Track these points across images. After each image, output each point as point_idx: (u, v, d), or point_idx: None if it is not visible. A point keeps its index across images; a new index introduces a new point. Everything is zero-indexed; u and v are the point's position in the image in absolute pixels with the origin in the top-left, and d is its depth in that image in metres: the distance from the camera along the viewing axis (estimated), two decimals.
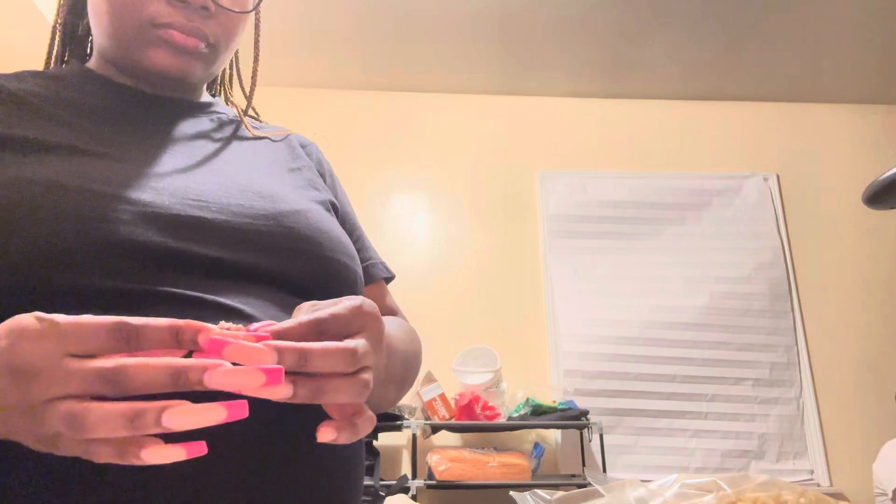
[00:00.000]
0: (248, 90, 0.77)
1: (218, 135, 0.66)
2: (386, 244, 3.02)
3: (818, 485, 2.77)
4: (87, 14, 0.68)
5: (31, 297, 0.43)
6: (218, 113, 0.69)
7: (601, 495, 0.54)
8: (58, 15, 0.71)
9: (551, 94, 3.31)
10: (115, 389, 0.33)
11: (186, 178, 0.54)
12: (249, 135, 0.69)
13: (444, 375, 2.64)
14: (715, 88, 3.29)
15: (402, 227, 3.07)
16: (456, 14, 2.76)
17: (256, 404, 0.37)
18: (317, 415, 0.42)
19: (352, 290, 0.58)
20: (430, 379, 2.60)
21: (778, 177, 3.25)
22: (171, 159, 0.57)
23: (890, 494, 2.11)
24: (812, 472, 2.80)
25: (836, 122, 3.38)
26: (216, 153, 0.62)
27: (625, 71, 3.16)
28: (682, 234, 3.11)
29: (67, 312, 0.36)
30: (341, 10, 2.72)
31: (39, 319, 0.34)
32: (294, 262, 0.54)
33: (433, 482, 2.33)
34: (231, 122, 0.69)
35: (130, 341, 0.34)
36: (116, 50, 0.62)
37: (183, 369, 0.33)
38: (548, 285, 2.99)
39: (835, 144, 3.34)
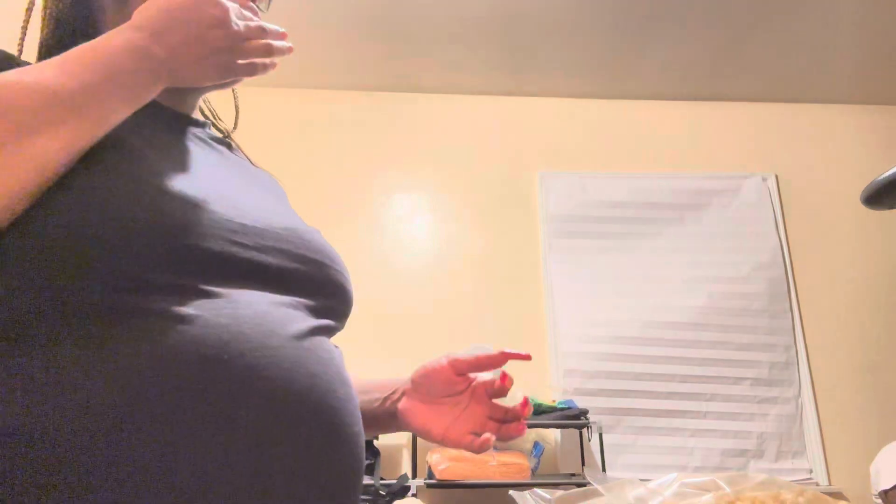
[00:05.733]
0: (236, 107, 0.81)
1: (218, 152, 0.70)
2: (386, 244, 3.03)
3: (817, 484, 2.77)
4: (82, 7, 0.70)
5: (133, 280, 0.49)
6: (210, 132, 0.72)
7: (601, 494, 0.54)
8: (52, 3, 0.71)
9: (551, 94, 3.32)
10: (263, 34, 0.58)
11: (229, 193, 0.60)
12: (239, 155, 0.75)
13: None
14: (714, 89, 3.30)
15: (403, 228, 3.08)
16: (456, 14, 2.76)
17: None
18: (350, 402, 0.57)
19: (350, 300, 0.67)
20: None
21: (777, 177, 3.25)
22: (203, 170, 0.62)
23: (876, 494, 2.13)
24: (811, 471, 2.80)
25: (834, 122, 3.39)
26: (234, 172, 0.68)
27: (625, 71, 3.16)
28: (682, 234, 3.11)
29: (159, 293, 0.49)
30: (341, 11, 2.72)
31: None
32: (310, 269, 0.60)
33: (433, 481, 2.34)
34: (222, 141, 0.73)
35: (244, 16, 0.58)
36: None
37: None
38: (548, 285, 2.99)
39: (834, 145, 3.35)
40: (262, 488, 0.47)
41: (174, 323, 0.48)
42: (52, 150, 0.46)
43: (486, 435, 0.67)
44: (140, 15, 0.54)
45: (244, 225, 0.56)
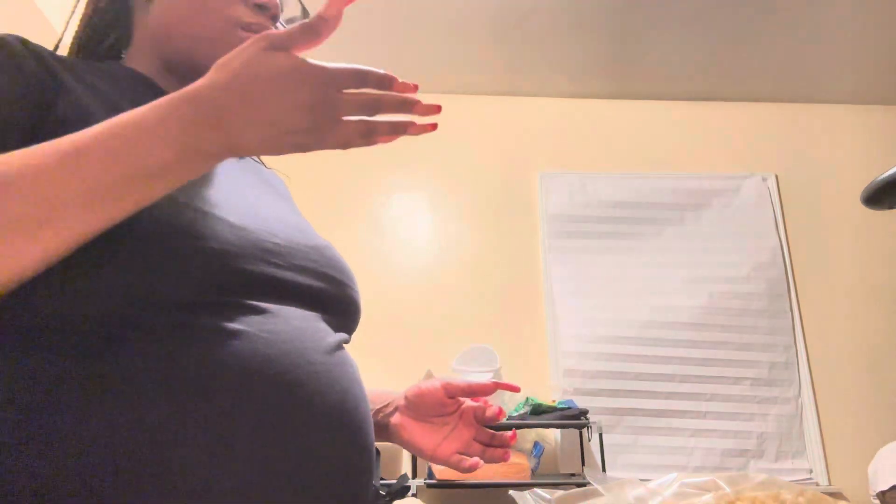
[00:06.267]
0: None
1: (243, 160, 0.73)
2: (386, 244, 3.03)
3: (817, 484, 2.77)
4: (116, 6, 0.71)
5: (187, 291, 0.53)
6: None
7: (601, 494, 0.54)
8: (94, 2, 0.72)
9: (551, 94, 3.32)
10: (372, 110, 0.51)
11: (256, 208, 0.62)
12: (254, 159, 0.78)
13: (444, 375, 2.64)
14: (714, 89, 3.30)
15: (403, 228, 3.08)
16: (456, 14, 2.76)
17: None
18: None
19: (359, 317, 0.71)
20: (430, 378, 2.60)
21: (777, 177, 3.25)
22: (236, 184, 0.65)
23: (874, 494, 2.13)
24: (811, 471, 2.80)
25: (834, 122, 3.38)
26: (253, 180, 0.70)
27: (625, 71, 3.16)
28: (682, 234, 3.11)
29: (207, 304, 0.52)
30: None
31: (319, 69, 0.49)
32: (328, 287, 0.64)
33: (433, 481, 2.33)
34: None
35: (366, 81, 0.51)
36: (187, 49, 0.65)
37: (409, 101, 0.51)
38: (548, 285, 2.99)
39: (833, 145, 3.35)
40: (301, 490, 0.51)
41: (222, 338, 0.51)
42: (32, 252, 0.45)
43: (475, 459, 0.74)
44: (212, 79, 0.48)
45: (277, 244, 0.59)
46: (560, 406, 2.55)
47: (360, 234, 3.02)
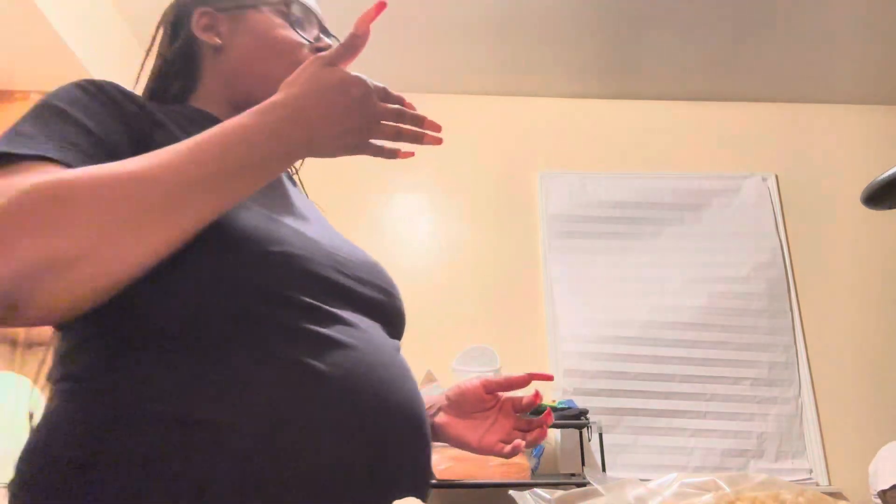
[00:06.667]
0: None
1: (292, 183, 0.85)
2: (386, 244, 3.03)
3: (817, 484, 2.78)
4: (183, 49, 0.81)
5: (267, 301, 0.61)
6: None
7: (601, 494, 0.54)
8: (166, 44, 0.83)
9: (551, 94, 3.32)
10: (398, 118, 0.65)
11: (320, 231, 0.73)
12: (299, 187, 0.90)
13: (444, 375, 2.64)
14: (714, 89, 3.30)
15: (402, 228, 3.08)
16: (456, 14, 2.76)
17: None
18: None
19: (404, 328, 0.80)
20: (430, 378, 2.61)
21: (777, 177, 3.25)
22: (300, 203, 0.78)
23: (875, 494, 2.13)
24: (811, 471, 2.80)
25: (835, 122, 3.38)
26: (306, 202, 0.82)
27: (625, 71, 3.16)
28: (682, 234, 3.11)
29: (287, 312, 0.60)
30: (338, 12, 2.72)
31: (367, 86, 0.62)
32: (385, 299, 0.74)
33: (433, 481, 2.33)
34: (289, 175, 0.89)
35: (389, 98, 0.64)
36: (261, 89, 0.73)
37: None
38: (548, 285, 2.99)
39: (834, 145, 3.35)
40: (377, 475, 0.60)
41: (315, 339, 0.60)
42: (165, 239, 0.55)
43: (517, 441, 0.81)
44: (287, 91, 0.60)
45: (342, 257, 0.69)
46: (560, 406, 2.55)
47: (360, 235, 3.00)
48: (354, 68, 0.63)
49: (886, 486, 2.07)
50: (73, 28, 2.30)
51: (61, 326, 0.63)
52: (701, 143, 3.31)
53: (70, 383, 0.59)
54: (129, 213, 0.51)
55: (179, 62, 0.81)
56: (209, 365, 0.56)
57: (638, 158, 3.26)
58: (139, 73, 0.84)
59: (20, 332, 2.52)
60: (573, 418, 2.49)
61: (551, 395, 2.73)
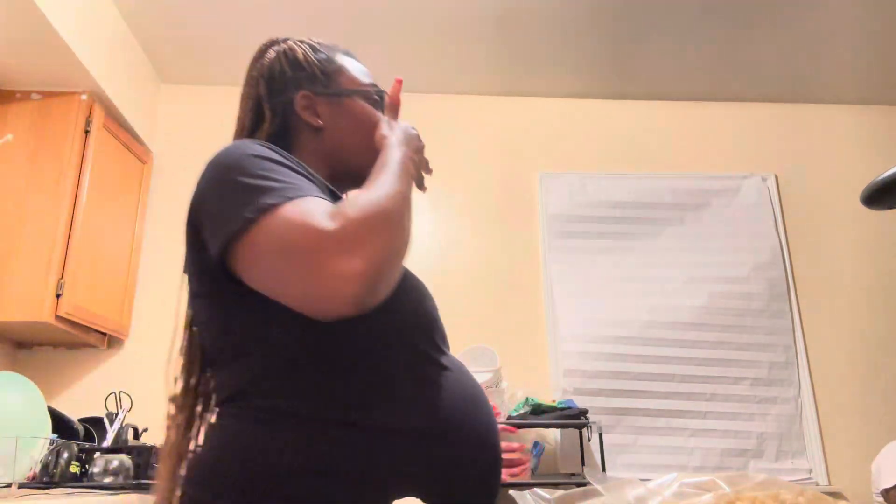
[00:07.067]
0: None
1: None
2: None
3: (816, 484, 2.78)
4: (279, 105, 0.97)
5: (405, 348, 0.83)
6: None
7: (600, 494, 0.54)
8: (269, 98, 0.96)
9: (551, 94, 3.32)
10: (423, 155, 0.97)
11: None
12: None
13: None
14: (714, 89, 3.30)
15: None
16: (456, 14, 2.76)
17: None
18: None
19: None
20: None
21: (777, 177, 3.26)
22: None
23: (878, 492, 2.13)
24: (811, 471, 2.80)
25: (834, 122, 3.38)
26: None
27: (625, 71, 3.16)
28: (681, 234, 3.11)
29: (411, 355, 0.83)
30: (339, 12, 2.72)
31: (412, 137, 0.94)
32: (442, 326, 0.95)
33: None
34: None
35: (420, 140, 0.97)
36: (358, 157, 0.93)
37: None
38: (547, 285, 2.99)
39: (833, 145, 3.35)
40: (472, 478, 0.80)
41: (446, 373, 0.83)
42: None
43: None
44: (392, 136, 0.89)
45: (435, 304, 0.94)
46: (560, 406, 2.55)
47: None
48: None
49: (889, 485, 2.06)
50: (73, 28, 2.30)
51: (235, 355, 0.79)
52: (700, 143, 3.31)
53: (262, 400, 0.75)
54: (409, 218, 0.74)
55: (277, 134, 0.93)
56: (381, 382, 0.77)
57: (638, 158, 3.26)
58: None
59: (20, 333, 2.52)
60: (573, 418, 2.49)
61: (551, 395, 2.73)
